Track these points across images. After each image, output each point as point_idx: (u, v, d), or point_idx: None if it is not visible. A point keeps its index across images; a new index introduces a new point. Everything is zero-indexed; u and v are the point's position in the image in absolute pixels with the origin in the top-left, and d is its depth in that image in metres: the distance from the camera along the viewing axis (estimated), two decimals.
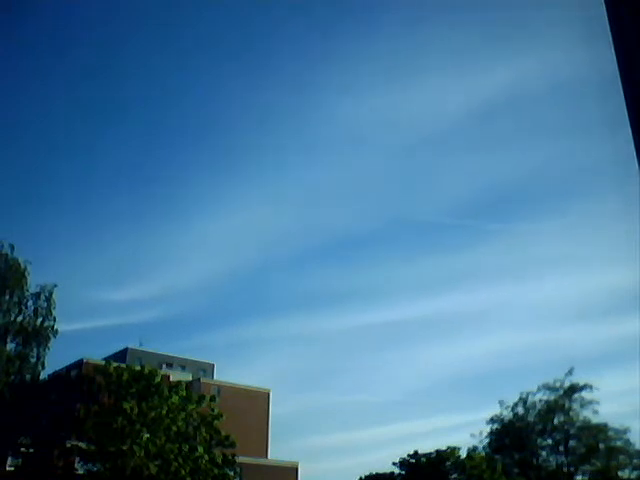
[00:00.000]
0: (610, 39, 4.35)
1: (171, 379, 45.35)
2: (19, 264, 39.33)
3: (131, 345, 64.82)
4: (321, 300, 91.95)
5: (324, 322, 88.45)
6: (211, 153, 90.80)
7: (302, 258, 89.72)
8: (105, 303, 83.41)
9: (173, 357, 65.82)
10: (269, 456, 59.75)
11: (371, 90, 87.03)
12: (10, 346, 38.41)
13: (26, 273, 39.39)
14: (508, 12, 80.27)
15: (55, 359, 62.24)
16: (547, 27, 79.29)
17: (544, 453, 55.76)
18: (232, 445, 40.97)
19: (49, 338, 38.93)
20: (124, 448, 36.59)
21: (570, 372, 54.15)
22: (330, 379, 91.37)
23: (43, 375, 39.47)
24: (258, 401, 61.68)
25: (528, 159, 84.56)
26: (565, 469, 54.19)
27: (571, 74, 74.86)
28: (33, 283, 39.79)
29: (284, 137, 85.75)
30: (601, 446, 53.74)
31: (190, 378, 58.03)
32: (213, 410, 41.16)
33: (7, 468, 37.92)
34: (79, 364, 49.98)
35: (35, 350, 38.61)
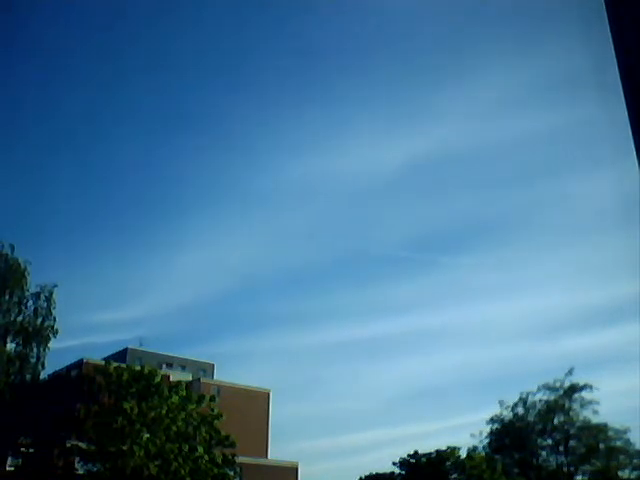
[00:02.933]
0: (610, 41, 4.34)
1: (171, 379, 45.34)
2: (19, 264, 39.30)
3: (131, 345, 64.81)
4: (300, 320, 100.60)
5: (303, 339, 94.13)
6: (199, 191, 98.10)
7: (277, 286, 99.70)
8: (96, 323, 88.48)
9: (173, 357, 65.77)
10: (269, 456, 59.76)
11: (320, 148, 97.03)
12: (10, 346, 38.41)
13: (26, 273, 39.38)
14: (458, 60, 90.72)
15: (55, 359, 62.57)
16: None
17: (544, 453, 55.82)
18: (232, 445, 40.98)
19: (49, 338, 38.90)
20: (124, 448, 36.59)
21: (570, 372, 54.22)
22: (315, 389, 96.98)
23: (43, 375, 39.50)
24: (258, 401, 61.67)
25: (473, 203, 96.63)
26: (565, 469, 54.21)
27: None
28: (33, 283, 39.88)
29: (250, 187, 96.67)
30: (601, 446, 53.74)
31: (190, 378, 58.01)
32: (213, 410, 41.17)
33: (7, 468, 37.92)
34: (79, 364, 49.94)
35: (35, 350, 38.61)
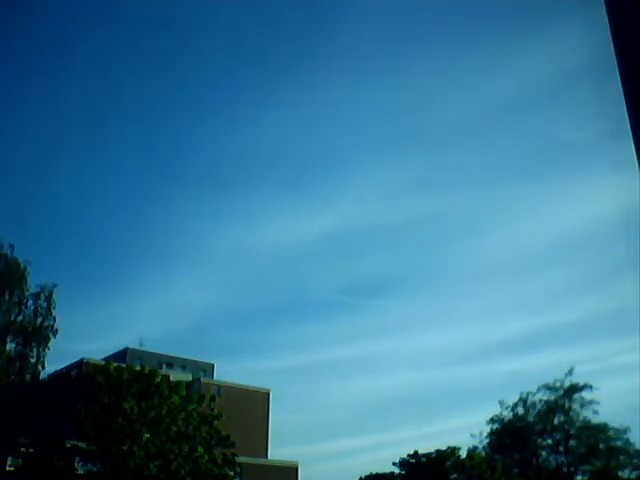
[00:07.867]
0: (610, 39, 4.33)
1: (171, 379, 45.31)
2: (19, 264, 39.32)
3: (131, 345, 64.84)
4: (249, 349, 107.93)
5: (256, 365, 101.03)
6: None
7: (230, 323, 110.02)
8: (82, 351, 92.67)
9: (173, 357, 65.77)
10: (269, 456, 59.77)
11: (253, 223, 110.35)
12: (10, 346, 38.44)
13: (26, 273, 39.40)
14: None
15: (55, 360, 62.98)
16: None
17: (544, 453, 55.83)
18: (232, 445, 40.99)
19: (49, 338, 38.92)
20: (124, 448, 36.60)
21: (570, 372, 54.24)
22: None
23: (43, 375, 39.52)
24: (258, 401, 61.68)
25: (390, 260, 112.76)
26: (565, 469, 54.23)
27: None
28: (33, 283, 39.89)
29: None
30: (601, 446, 53.75)
31: (190, 378, 58.02)
32: (213, 410, 41.18)
33: (7, 468, 37.90)
34: (79, 364, 49.94)
35: (35, 350, 38.63)
